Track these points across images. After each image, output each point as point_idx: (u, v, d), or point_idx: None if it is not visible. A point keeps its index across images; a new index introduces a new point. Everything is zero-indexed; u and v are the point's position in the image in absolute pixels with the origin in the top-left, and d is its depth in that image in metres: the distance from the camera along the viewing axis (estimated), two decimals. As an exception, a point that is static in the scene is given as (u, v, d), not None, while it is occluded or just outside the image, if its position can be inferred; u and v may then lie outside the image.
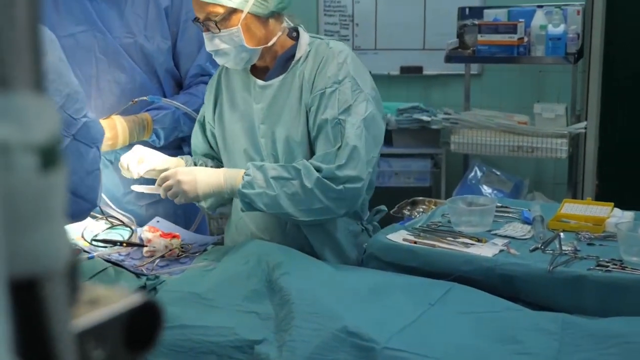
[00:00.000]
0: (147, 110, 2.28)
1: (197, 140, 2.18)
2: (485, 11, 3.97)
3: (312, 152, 1.94)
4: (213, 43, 1.90)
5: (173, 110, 2.29)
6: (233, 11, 1.86)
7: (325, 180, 1.83)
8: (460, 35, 4.03)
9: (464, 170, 4.22)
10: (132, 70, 2.28)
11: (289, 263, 1.74)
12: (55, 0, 2.32)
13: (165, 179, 1.92)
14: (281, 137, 1.95)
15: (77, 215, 1.63)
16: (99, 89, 2.29)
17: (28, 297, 0.35)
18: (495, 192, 4.11)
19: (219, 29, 1.86)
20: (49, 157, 0.36)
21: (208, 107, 2.12)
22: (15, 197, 0.34)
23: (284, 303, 1.57)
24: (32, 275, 0.35)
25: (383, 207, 2.20)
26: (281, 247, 1.87)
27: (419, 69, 4.49)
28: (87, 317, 0.40)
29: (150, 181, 2.03)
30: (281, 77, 1.97)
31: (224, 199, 2.01)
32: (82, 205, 1.61)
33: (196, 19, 1.91)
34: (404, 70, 4.49)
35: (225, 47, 1.89)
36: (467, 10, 4.05)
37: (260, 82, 1.99)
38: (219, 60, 1.96)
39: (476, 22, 3.92)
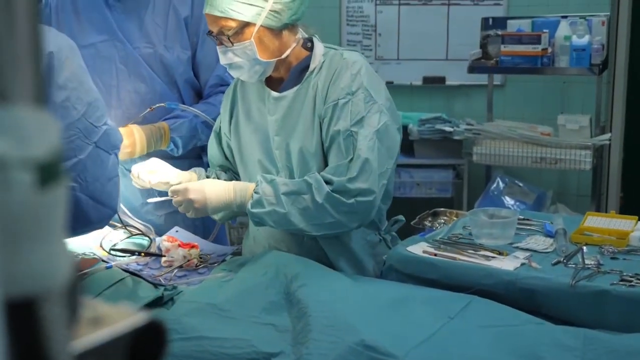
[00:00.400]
0: (165, 119, 2.28)
1: (213, 151, 2.18)
2: (509, 21, 3.94)
3: (326, 164, 1.92)
4: (227, 56, 1.90)
5: (190, 118, 2.29)
6: (245, 25, 1.84)
7: (336, 195, 1.82)
8: (483, 46, 4.01)
9: (486, 182, 4.19)
10: (152, 80, 2.29)
11: (307, 274, 1.73)
12: (76, 10, 2.33)
13: (176, 193, 1.93)
14: (295, 148, 1.93)
15: (98, 221, 1.64)
16: (119, 99, 2.30)
17: (25, 317, 0.34)
18: (517, 203, 4.07)
19: (232, 43, 1.85)
20: (48, 173, 0.35)
21: (224, 118, 2.11)
22: (12, 214, 0.33)
23: (302, 315, 1.56)
24: (29, 295, 0.34)
25: (401, 217, 2.17)
26: (300, 259, 1.85)
27: (441, 80, 4.47)
28: (88, 337, 0.39)
29: (163, 193, 2.03)
30: (295, 88, 1.95)
31: (234, 213, 2.01)
32: (103, 211, 1.62)
33: (210, 32, 1.91)
34: (427, 80, 4.47)
35: (239, 60, 1.88)
36: (490, 20, 4.02)
37: (274, 93, 1.97)
38: (233, 73, 1.96)
39: (499, 32, 3.89)
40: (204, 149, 2.36)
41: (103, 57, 2.30)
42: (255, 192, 1.87)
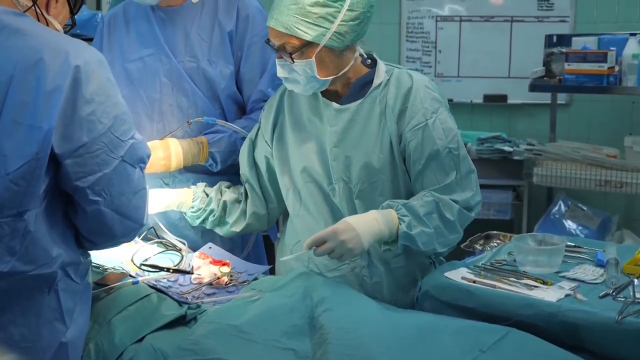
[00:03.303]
0: (204, 134, 2.26)
1: (243, 158, 2.14)
2: (574, 39, 3.81)
3: (395, 181, 1.92)
4: (284, 70, 1.88)
5: (230, 133, 2.26)
6: (308, 44, 1.82)
7: (465, 211, 1.89)
8: (546, 64, 3.88)
9: (547, 204, 4.04)
10: (194, 94, 2.27)
11: (334, 299, 1.66)
12: (127, 25, 2.34)
13: (320, 240, 1.77)
14: (358, 162, 1.92)
15: (123, 235, 1.61)
16: (161, 113, 2.29)
17: None
18: (580, 227, 3.91)
19: (293, 60, 1.83)
20: None
21: (266, 127, 2.07)
22: None
23: (322, 342, 1.49)
24: None
25: None
26: (329, 282, 1.79)
27: (503, 98, 4.35)
28: None
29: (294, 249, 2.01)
30: (358, 102, 1.94)
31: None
32: (129, 225, 1.58)
33: (268, 40, 1.88)
34: (488, 98, 4.37)
35: (297, 76, 1.87)
36: (554, 37, 3.90)
37: (335, 105, 1.95)
38: (288, 86, 1.94)
39: (564, 50, 3.75)
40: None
41: (149, 70, 2.30)
42: (404, 215, 1.82)
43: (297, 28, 1.79)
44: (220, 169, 2.27)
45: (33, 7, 1.56)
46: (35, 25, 1.52)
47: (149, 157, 1.64)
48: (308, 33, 1.80)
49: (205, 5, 2.29)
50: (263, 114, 2.12)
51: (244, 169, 2.14)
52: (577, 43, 3.75)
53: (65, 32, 1.66)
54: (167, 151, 2.15)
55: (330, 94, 1.98)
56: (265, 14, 2.33)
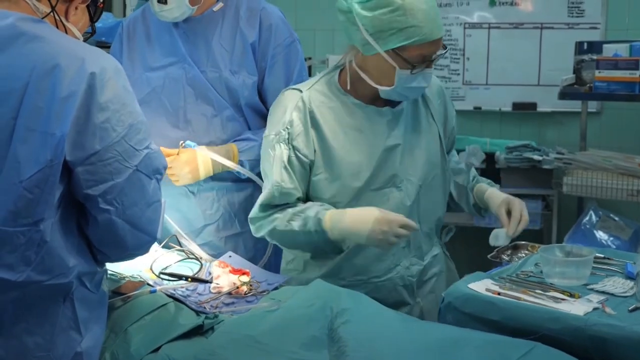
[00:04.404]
0: (234, 141, 2.24)
1: (292, 185, 1.97)
2: (605, 46, 3.73)
3: (443, 173, 2.09)
4: (429, 77, 1.93)
5: (259, 142, 2.23)
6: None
7: None
8: (577, 71, 3.81)
9: (578, 214, 3.96)
10: (219, 103, 2.25)
11: (354, 311, 1.62)
12: (148, 34, 2.33)
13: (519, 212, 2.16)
14: (421, 159, 2.02)
15: (135, 248, 1.57)
16: (186, 121, 2.28)
17: None
18: (612, 238, 3.82)
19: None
20: None
21: (308, 144, 1.97)
22: None
23: (340, 354, 1.45)
24: None
25: (452, 226, 2.28)
26: (350, 293, 1.75)
27: (532, 106, 4.28)
28: None
29: None
30: (405, 103, 2.02)
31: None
32: (141, 237, 1.55)
33: (415, 63, 1.85)
34: (517, 106, 4.30)
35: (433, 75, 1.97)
36: (585, 44, 3.83)
37: (391, 108, 2.00)
38: (418, 93, 1.98)
39: (594, 57, 3.68)
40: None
41: (172, 78, 2.29)
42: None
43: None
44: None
45: (52, 14, 1.55)
46: (53, 31, 1.51)
47: (165, 168, 1.60)
48: None
49: (227, 15, 2.27)
50: (298, 138, 1.96)
51: (299, 193, 1.99)
52: (608, 50, 3.68)
53: (85, 40, 1.65)
54: (193, 164, 2.15)
55: (376, 100, 1.99)
56: (288, 23, 2.31)
